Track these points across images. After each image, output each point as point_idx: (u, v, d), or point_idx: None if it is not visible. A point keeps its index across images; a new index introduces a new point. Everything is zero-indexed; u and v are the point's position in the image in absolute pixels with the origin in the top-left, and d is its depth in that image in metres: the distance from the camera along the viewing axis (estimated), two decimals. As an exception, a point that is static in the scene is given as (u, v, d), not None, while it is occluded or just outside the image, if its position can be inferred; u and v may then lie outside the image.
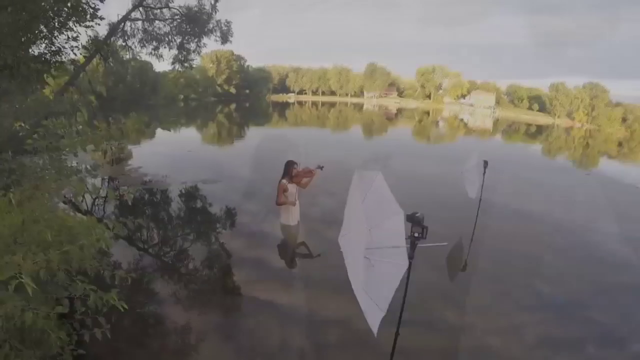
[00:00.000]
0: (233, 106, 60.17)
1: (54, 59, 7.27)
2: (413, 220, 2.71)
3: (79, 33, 7.37)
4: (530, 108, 51.13)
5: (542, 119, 46.93)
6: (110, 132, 2.67)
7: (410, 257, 2.73)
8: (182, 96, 67.36)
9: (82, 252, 2.12)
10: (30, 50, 6.53)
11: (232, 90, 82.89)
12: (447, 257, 6.70)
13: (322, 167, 7.26)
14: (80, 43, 7.90)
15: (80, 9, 6.93)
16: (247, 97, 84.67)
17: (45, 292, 2.25)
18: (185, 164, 13.84)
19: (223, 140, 22.78)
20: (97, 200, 8.92)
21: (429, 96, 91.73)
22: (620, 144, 41.99)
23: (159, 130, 22.78)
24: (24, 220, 2.27)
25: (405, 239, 2.78)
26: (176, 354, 4.04)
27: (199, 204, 9.25)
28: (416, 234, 2.71)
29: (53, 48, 7.24)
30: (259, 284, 5.49)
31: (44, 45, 7.07)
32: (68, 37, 7.19)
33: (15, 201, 2.40)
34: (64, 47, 7.36)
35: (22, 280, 1.70)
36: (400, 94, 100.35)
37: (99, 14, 7.73)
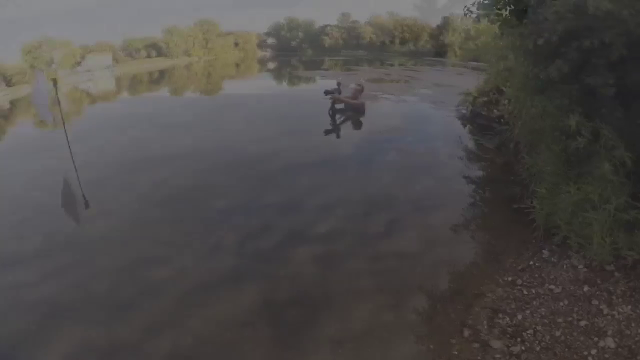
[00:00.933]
0: None
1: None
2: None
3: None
4: (148, 56, 50.63)
5: (162, 63, 47.95)
6: None
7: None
8: None
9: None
10: None
11: None
12: None
13: None
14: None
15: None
16: None
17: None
18: None
19: None
20: None
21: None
22: (237, 65, 48.87)
23: None
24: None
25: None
26: None
27: None
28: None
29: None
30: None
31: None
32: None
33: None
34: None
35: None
36: (9, 82, 79.67)
37: None
